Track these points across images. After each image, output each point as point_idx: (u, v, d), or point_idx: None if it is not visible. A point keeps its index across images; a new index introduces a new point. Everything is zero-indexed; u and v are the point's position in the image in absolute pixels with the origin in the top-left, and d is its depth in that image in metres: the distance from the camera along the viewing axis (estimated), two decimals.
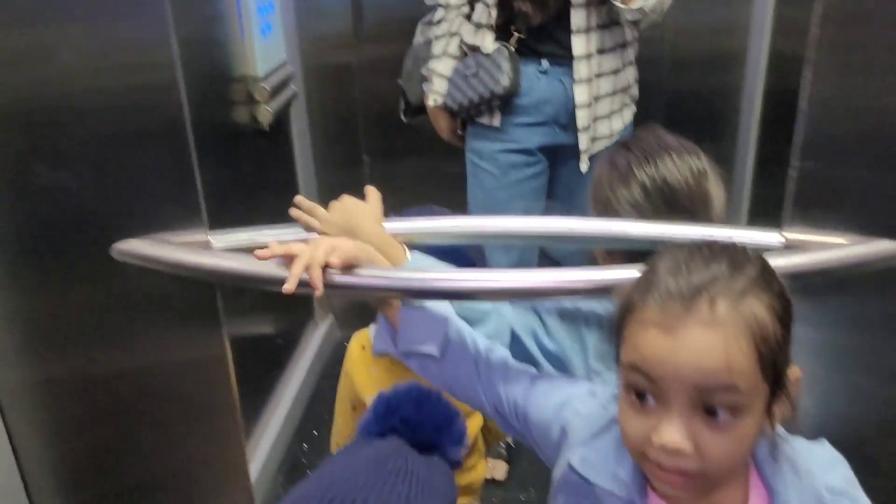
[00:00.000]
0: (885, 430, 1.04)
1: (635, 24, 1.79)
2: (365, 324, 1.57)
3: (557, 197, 2.01)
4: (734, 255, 0.74)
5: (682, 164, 1.04)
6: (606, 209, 1.08)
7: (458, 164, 2.13)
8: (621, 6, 1.69)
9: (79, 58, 0.93)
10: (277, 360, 2.35)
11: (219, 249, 0.97)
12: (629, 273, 0.80)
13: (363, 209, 1.05)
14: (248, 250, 0.99)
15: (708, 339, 0.69)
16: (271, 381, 2.28)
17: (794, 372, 0.75)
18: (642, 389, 0.73)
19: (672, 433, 0.70)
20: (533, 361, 1.05)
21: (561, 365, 1.06)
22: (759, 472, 0.80)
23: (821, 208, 0.89)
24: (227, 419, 1.19)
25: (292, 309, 2.54)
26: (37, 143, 0.96)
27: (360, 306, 2.70)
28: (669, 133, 1.11)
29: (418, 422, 0.88)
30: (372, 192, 1.10)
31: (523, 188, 1.95)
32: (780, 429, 0.81)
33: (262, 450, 2.07)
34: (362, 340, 1.39)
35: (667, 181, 1.03)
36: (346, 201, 1.07)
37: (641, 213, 1.04)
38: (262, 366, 2.25)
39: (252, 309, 2.15)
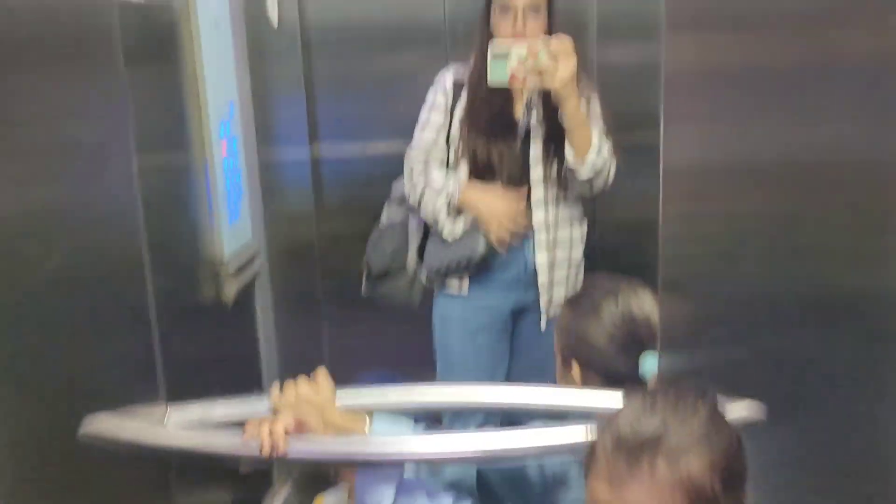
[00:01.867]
0: None
1: (589, 183, 1.92)
2: (322, 488, 1.69)
3: (518, 354, 2.15)
4: (684, 405, 0.82)
5: (638, 298, 1.24)
6: (579, 344, 1.24)
7: (415, 333, 2.23)
8: (573, 160, 1.85)
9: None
10: None
11: (173, 427, 1.06)
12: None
13: (313, 401, 1.11)
14: (203, 425, 1.09)
15: (646, 499, 0.78)
16: None
17: None
18: None
19: None
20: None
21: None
22: None
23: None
24: None
25: (252, 477, 2.54)
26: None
27: (316, 473, 2.72)
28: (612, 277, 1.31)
29: None
30: (322, 372, 1.17)
31: (491, 350, 2.08)
32: None
33: None
34: None
35: (631, 314, 1.22)
36: (300, 389, 1.12)
37: (615, 342, 1.21)
38: None
39: (213, 476, 2.17)
